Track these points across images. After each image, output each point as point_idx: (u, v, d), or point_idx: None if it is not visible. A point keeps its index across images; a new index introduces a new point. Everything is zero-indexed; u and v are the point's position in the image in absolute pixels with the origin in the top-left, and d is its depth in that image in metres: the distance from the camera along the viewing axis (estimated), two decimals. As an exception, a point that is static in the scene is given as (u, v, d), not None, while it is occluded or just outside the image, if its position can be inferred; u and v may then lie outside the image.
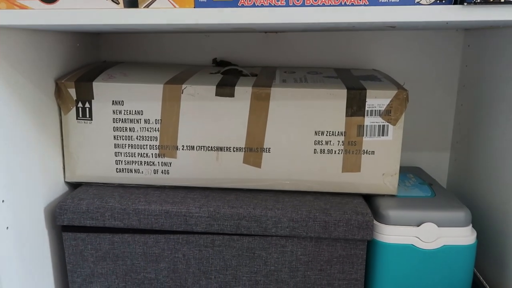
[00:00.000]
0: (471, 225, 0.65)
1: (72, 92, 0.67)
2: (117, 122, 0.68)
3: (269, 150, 0.68)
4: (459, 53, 0.84)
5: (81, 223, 0.64)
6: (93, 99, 0.67)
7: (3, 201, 0.55)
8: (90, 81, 0.67)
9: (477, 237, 0.65)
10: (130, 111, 0.67)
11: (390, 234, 0.64)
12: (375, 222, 0.65)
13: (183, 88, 0.66)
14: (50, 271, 0.67)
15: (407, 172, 0.81)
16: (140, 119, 0.68)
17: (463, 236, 0.63)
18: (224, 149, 0.68)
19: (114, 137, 0.68)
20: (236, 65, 0.79)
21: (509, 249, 0.66)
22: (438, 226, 0.63)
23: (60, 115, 0.69)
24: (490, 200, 0.72)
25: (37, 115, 0.63)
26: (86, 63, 0.79)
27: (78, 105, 0.68)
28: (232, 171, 0.68)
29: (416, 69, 0.85)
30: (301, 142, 0.67)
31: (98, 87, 0.67)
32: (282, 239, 0.64)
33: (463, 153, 0.83)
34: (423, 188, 0.72)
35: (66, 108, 0.68)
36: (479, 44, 0.78)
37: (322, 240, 0.64)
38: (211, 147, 0.68)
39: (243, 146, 0.68)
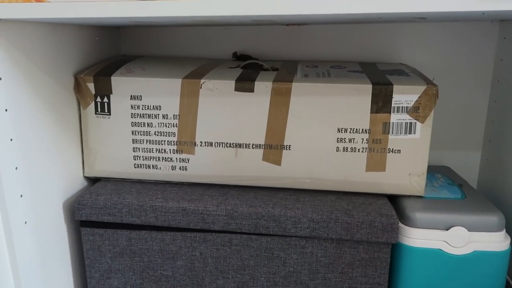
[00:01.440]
0: (504, 230, 0.61)
1: (91, 86, 0.67)
2: (135, 117, 0.67)
3: (289, 147, 0.65)
4: (494, 46, 0.79)
5: (99, 218, 0.64)
6: (111, 93, 0.67)
7: (21, 195, 0.55)
8: (109, 75, 0.66)
9: (511, 243, 0.61)
10: (148, 106, 0.66)
11: (417, 238, 0.61)
12: (400, 224, 0.61)
13: (201, 82, 0.65)
14: (68, 266, 0.67)
15: (435, 172, 0.77)
16: (158, 114, 0.67)
17: (496, 241, 0.59)
18: (243, 145, 0.66)
19: (132, 132, 0.68)
20: (257, 59, 0.77)
21: (546, 256, 0.61)
22: (469, 231, 0.59)
23: (79, 109, 0.69)
24: (525, 203, 0.67)
25: (57, 109, 0.63)
26: (105, 57, 0.79)
27: (97, 100, 0.67)
28: (251, 168, 0.66)
29: (447, 64, 0.81)
30: (323, 139, 0.64)
31: (117, 81, 0.66)
32: (302, 240, 0.62)
33: (495, 152, 0.78)
34: (452, 189, 0.69)
35: (85, 103, 0.68)
36: (516, 37, 0.73)
37: (344, 242, 0.61)
38: (230, 143, 0.66)
39: (263, 143, 0.66)
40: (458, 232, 0.59)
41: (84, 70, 0.69)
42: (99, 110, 0.68)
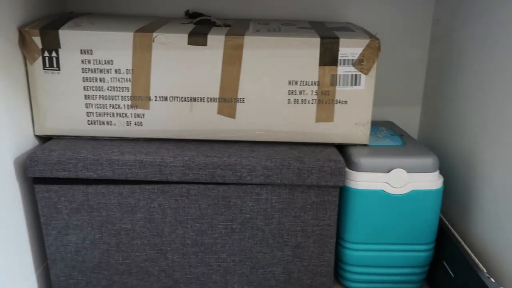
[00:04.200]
0: (438, 171, 0.67)
1: (37, 40, 0.65)
2: (86, 72, 0.66)
3: (243, 100, 0.67)
4: (431, 6, 0.85)
5: (53, 174, 0.63)
6: (60, 47, 0.65)
7: (-32, 149, 0.54)
8: (56, 29, 0.65)
9: (444, 183, 0.68)
10: (99, 60, 0.66)
11: (362, 181, 0.66)
12: (347, 169, 0.66)
13: (154, 36, 0.65)
14: (23, 224, 0.66)
15: (379, 126, 0.83)
16: (110, 69, 0.66)
17: (431, 181, 0.66)
18: (198, 99, 0.67)
19: (84, 88, 0.67)
20: (209, 16, 0.77)
21: (473, 195, 0.69)
22: (407, 172, 0.65)
23: (26, 65, 0.66)
24: (457, 150, 0.75)
25: (2, 64, 0.60)
26: (51, 13, 0.76)
27: (44, 55, 0.65)
28: (206, 122, 0.68)
29: (389, 23, 0.86)
30: (275, 92, 0.67)
31: (65, 35, 0.64)
32: (257, 187, 0.65)
33: (433, 106, 0.85)
34: (394, 138, 0.74)
35: (32, 58, 0.65)
36: (451, -4, 0.78)
37: (296, 188, 0.65)
38: (185, 97, 0.67)
39: (217, 97, 0.67)
40: (398, 173, 0.65)
41: (29, 24, 0.66)
42: (47, 65, 0.66)
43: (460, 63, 0.74)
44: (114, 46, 0.65)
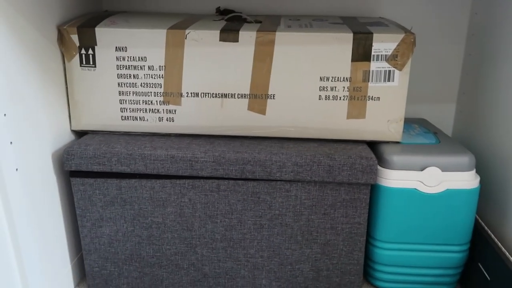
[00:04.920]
0: (474, 170, 0.65)
1: (75, 38, 0.67)
2: (120, 69, 0.68)
3: (273, 96, 0.67)
4: (469, 0, 0.82)
5: (89, 168, 0.65)
6: (96, 45, 0.67)
7: (11, 142, 0.56)
8: (93, 27, 0.66)
9: (480, 183, 0.65)
10: (133, 57, 0.67)
11: (394, 179, 0.64)
12: (378, 167, 0.65)
13: (186, 33, 0.65)
14: (60, 215, 0.68)
15: (412, 123, 0.81)
16: (144, 66, 0.67)
17: (466, 180, 0.64)
18: (228, 95, 0.68)
19: (118, 84, 0.68)
20: (240, 13, 0.78)
21: (511, 196, 0.66)
22: (442, 171, 0.64)
23: (64, 62, 0.69)
24: (494, 148, 0.72)
25: (42, 61, 0.63)
26: (87, 12, 0.78)
27: (81, 52, 0.67)
28: (237, 118, 0.68)
29: (424, 18, 0.83)
30: (306, 88, 0.67)
31: (101, 32, 0.66)
32: (287, 183, 0.65)
33: (469, 104, 0.82)
34: (428, 136, 0.72)
35: (69, 55, 0.68)
36: (490, -11, 0.75)
37: (326, 185, 0.65)
38: (216, 93, 0.68)
39: (248, 93, 0.67)
40: (432, 172, 0.63)
41: (67, 22, 0.68)
42: (84, 62, 0.68)
43: (499, 59, 0.71)
44: (147, 43, 0.66)
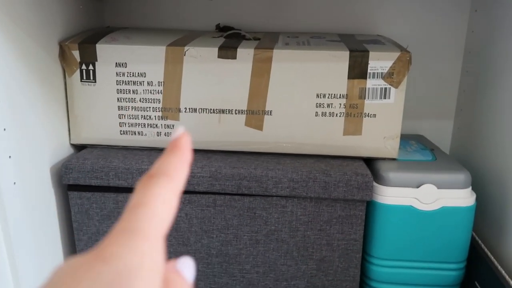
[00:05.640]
0: (470, 187, 0.65)
1: (76, 54, 0.68)
2: (120, 84, 0.69)
3: (270, 112, 0.68)
4: (466, 18, 0.83)
5: (86, 182, 0.66)
6: (96, 61, 0.68)
7: (10, 156, 0.57)
8: (94, 43, 0.68)
9: (477, 200, 0.65)
10: (133, 73, 0.68)
11: (390, 196, 0.65)
12: (374, 183, 0.65)
13: (185, 50, 0.66)
14: (57, 229, 0.69)
15: (409, 139, 0.81)
16: (143, 81, 0.68)
17: (462, 197, 0.64)
18: (226, 111, 0.68)
19: (118, 99, 0.69)
20: (239, 30, 0.79)
21: (508, 213, 0.66)
22: (438, 188, 0.64)
23: (65, 77, 0.70)
24: (491, 166, 0.72)
25: (43, 76, 0.64)
26: (89, 28, 0.80)
27: (82, 67, 0.68)
28: (234, 133, 0.69)
29: (421, 35, 0.84)
30: (302, 104, 0.67)
31: (102, 49, 0.67)
32: (283, 199, 0.65)
33: (466, 120, 0.83)
34: (424, 153, 0.73)
35: (70, 70, 0.69)
36: (486, 9, 0.76)
37: (322, 201, 0.65)
38: (214, 109, 0.68)
39: (245, 109, 0.68)
40: (428, 189, 0.64)
41: (68, 38, 0.70)
42: (84, 78, 0.69)
43: (496, 76, 0.72)
44: (147, 60, 0.67)
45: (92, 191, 0.67)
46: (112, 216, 0.68)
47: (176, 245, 0.68)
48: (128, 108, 0.70)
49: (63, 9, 0.69)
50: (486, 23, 0.76)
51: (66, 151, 0.71)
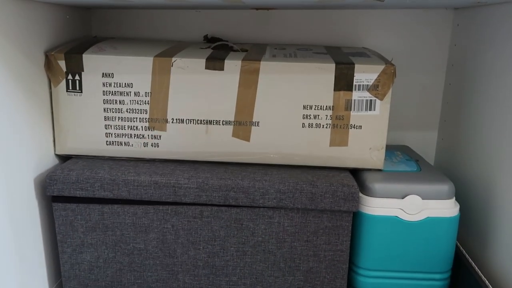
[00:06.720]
0: (454, 198, 0.66)
1: (62, 64, 0.67)
2: (107, 95, 0.68)
3: (258, 124, 0.68)
4: (449, 32, 0.85)
5: (71, 193, 0.65)
6: (83, 71, 0.68)
7: (-8, 168, 0.56)
8: (80, 53, 0.67)
9: (460, 211, 0.67)
10: (120, 83, 0.68)
11: (375, 206, 0.65)
12: (360, 194, 0.66)
13: (173, 61, 0.67)
14: (40, 241, 0.67)
15: (395, 150, 0.82)
16: (130, 92, 0.68)
17: (446, 208, 0.65)
18: (213, 122, 0.69)
19: (104, 109, 0.69)
20: (227, 41, 0.79)
21: (491, 223, 0.67)
22: (422, 199, 0.64)
23: (50, 87, 0.69)
24: (474, 177, 0.73)
25: (28, 86, 0.63)
26: (76, 38, 0.79)
27: (68, 77, 0.68)
28: (221, 144, 0.69)
29: (406, 48, 0.86)
30: (289, 116, 0.68)
31: (88, 59, 0.67)
32: (270, 210, 0.65)
33: (450, 131, 0.84)
34: (409, 163, 0.74)
35: (56, 80, 0.68)
36: (468, 23, 0.79)
37: (308, 212, 0.65)
38: (201, 120, 0.69)
39: (232, 120, 0.68)
40: (413, 200, 0.64)
41: (55, 48, 0.69)
42: (70, 88, 0.68)
43: (478, 89, 0.74)
44: (134, 70, 0.67)
45: (77, 203, 0.66)
46: (97, 227, 0.67)
47: (162, 257, 0.68)
48: (115, 119, 0.69)
49: (49, 19, 0.69)
50: (468, 37, 0.78)
51: (50, 161, 0.70)
